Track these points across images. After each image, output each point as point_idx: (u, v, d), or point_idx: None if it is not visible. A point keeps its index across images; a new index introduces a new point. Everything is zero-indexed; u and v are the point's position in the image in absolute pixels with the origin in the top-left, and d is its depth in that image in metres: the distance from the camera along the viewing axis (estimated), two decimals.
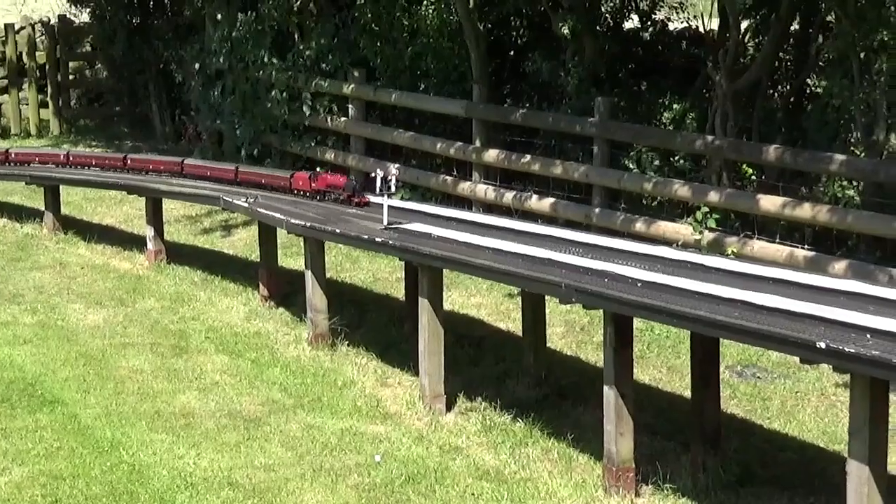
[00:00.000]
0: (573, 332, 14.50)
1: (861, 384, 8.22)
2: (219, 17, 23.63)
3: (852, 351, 7.99)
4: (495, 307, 15.60)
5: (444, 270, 12.47)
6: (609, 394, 10.21)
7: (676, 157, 17.50)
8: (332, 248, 17.08)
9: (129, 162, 18.70)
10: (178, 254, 18.53)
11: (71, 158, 19.77)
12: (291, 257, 17.41)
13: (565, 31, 18.26)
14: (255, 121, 23.22)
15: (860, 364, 7.98)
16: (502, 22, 21.33)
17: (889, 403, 8.71)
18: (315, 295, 14.17)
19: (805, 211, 14.70)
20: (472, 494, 10.37)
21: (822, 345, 8.14)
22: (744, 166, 16.38)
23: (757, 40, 19.01)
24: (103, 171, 19.04)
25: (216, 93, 24.02)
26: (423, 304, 12.19)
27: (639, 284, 10.07)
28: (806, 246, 14.88)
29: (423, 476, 10.70)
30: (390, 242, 12.49)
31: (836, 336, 8.32)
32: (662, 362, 13.50)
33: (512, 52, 21.54)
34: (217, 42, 23.59)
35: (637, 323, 12.71)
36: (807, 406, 12.23)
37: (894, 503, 8.98)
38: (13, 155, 20.33)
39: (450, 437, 11.64)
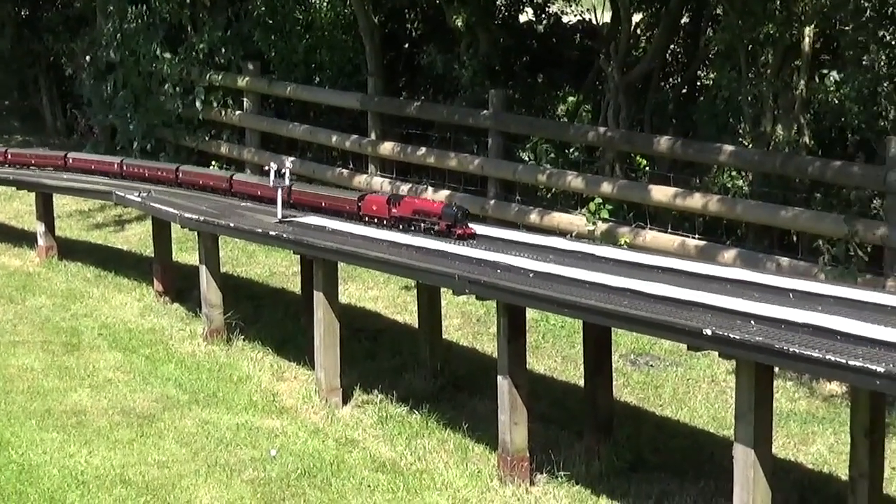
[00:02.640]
0: (470, 324, 14.57)
1: (746, 370, 8.36)
2: (110, 9, 23.33)
3: (737, 337, 8.12)
4: (392, 300, 15.62)
5: (340, 263, 12.46)
6: (503, 384, 10.28)
7: (570, 149, 17.65)
8: (229, 242, 17.00)
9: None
10: (71, 250, 18.29)
11: None
12: (187, 252, 17.27)
13: (459, 23, 18.33)
14: (147, 115, 22.98)
15: (745, 350, 8.12)
16: (396, 14, 21.36)
17: (774, 388, 8.89)
18: (210, 290, 14.08)
19: (696, 201, 14.91)
20: (369, 487, 10.38)
21: (708, 332, 8.26)
22: (637, 157, 16.58)
23: (649, 34, 19.24)
24: None
25: (108, 86, 23.73)
26: (319, 298, 12.17)
27: (531, 275, 10.14)
28: (697, 235, 15.09)
29: (318, 469, 10.70)
30: (284, 236, 12.45)
31: (721, 323, 8.45)
32: (557, 352, 13.62)
33: (407, 45, 21.59)
34: (108, 35, 23.31)
35: (533, 314, 12.88)
36: (698, 393, 12.41)
37: (780, 485, 9.18)
38: None
39: (346, 430, 11.65)
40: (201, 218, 13.58)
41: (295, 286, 15.64)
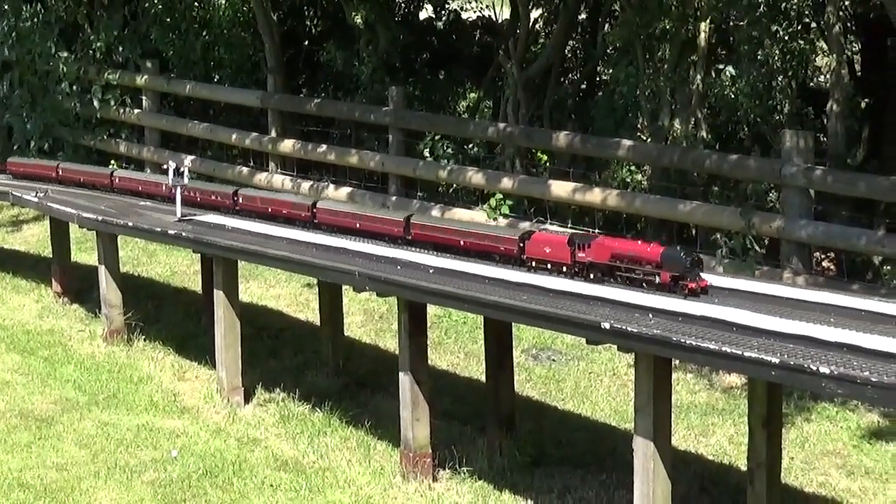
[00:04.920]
0: (372, 321, 14.55)
1: (645, 362, 8.43)
2: (4, 7, 22.95)
3: (635, 330, 8.18)
4: (294, 298, 15.55)
5: (240, 262, 12.38)
6: (404, 380, 10.28)
7: (471, 145, 17.71)
8: (130, 242, 16.83)
9: None
10: None
11: None
12: (86, 252, 17.04)
13: (359, 20, 18.31)
14: (44, 114, 22.67)
15: (642, 343, 8.19)
16: (296, 11, 21.30)
17: (673, 381, 8.98)
18: (109, 290, 13.92)
19: (595, 196, 15.02)
20: (271, 486, 10.33)
21: (607, 325, 8.32)
22: (537, 153, 16.67)
23: (548, 30, 19.33)
24: None
25: (4, 85, 23.36)
26: (219, 297, 12.08)
27: (431, 271, 10.15)
28: (596, 230, 15.19)
29: (220, 469, 10.61)
30: (183, 234, 12.34)
31: (620, 317, 8.51)
32: (460, 348, 13.64)
33: (306, 42, 21.50)
34: (2, 34, 22.92)
35: (435, 310, 12.91)
36: (599, 387, 12.50)
37: (680, 477, 9.29)
38: None
39: (248, 429, 11.58)
40: (100, 217, 13.42)
41: (196, 285, 15.50)
